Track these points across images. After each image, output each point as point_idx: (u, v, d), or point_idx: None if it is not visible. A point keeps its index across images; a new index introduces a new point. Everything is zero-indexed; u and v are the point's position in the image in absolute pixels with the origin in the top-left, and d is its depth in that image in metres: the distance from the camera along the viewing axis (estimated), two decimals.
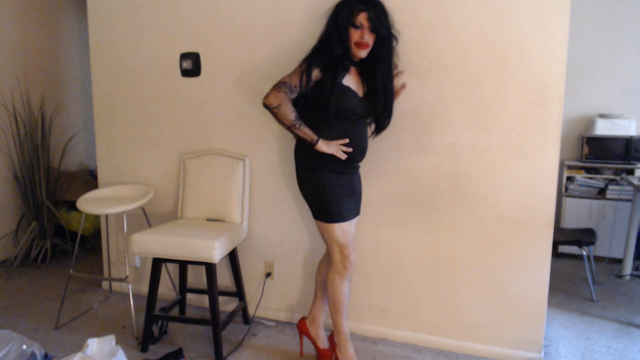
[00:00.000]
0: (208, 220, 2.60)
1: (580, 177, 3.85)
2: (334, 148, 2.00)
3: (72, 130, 4.20)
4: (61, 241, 3.77)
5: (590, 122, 3.89)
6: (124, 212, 2.55)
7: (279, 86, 1.97)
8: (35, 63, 3.86)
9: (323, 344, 2.25)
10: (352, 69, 2.04)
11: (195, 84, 2.69)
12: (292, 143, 2.52)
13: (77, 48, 4.31)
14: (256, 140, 2.61)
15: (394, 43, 2.05)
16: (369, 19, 1.91)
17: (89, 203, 2.58)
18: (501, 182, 2.20)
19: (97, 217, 3.66)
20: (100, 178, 3.02)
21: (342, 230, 2.05)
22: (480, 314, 2.31)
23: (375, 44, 1.98)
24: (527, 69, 2.09)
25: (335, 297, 2.08)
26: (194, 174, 2.66)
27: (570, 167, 3.89)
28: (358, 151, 2.07)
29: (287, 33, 2.45)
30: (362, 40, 1.93)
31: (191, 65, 2.66)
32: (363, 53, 1.97)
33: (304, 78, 1.96)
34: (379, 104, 2.05)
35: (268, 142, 2.58)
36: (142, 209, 2.80)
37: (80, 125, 4.34)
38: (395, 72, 2.17)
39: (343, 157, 2.00)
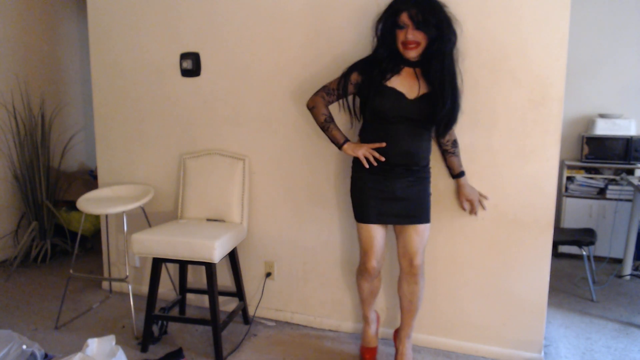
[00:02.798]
0: (208, 220, 2.60)
1: (580, 177, 3.85)
2: (361, 152, 1.99)
3: (72, 130, 4.20)
4: (61, 241, 3.76)
5: (590, 122, 3.89)
6: (124, 212, 2.55)
7: (318, 90, 2.12)
8: (35, 63, 3.86)
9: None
10: (407, 70, 1.96)
11: (195, 84, 2.69)
12: (292, 143, 2.53)
13: (77, 48, 4.31)
14: (256, 140, 2.61)
15: (452, 38, 1.92)
16: (411, 18, 1.85)
17: (89, 203, 2.58)
18: (501, 182, 2.20)
19: (97, 217, 3.66)
20: (100, 178, 3.02)
21: (367, 233, 2.04)
22: (480, 314, 2.31)
23: (429, 41, 1.90)
24: (528, 68, 2.09)
25: (357, 289, 2.24)
26: (194, 174, 2.66)
27: (570, 167, 3.89)
28: (396, 153, 1.97)
29: (288, 32, 2.45)
30: (407, 39, 1.87)
31: (191, 65, 2.66)
32: (412, 53, 1.90)
33: (342, 81, 2.04)
34: (438, 104, 1.92)
35: (268, 142, 2.58)
36: (142, 209, 2.80)
37: (80, 125, 4.34)
38: None
39: (366, 165, 1.99)
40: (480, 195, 2.21)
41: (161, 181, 2.86)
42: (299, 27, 2.42)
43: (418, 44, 1.88)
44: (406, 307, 2.14)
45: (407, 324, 2.17)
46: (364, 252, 2.07)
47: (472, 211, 2.21)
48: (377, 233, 2.05)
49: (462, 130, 2.21)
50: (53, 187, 3.76)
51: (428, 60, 1.93)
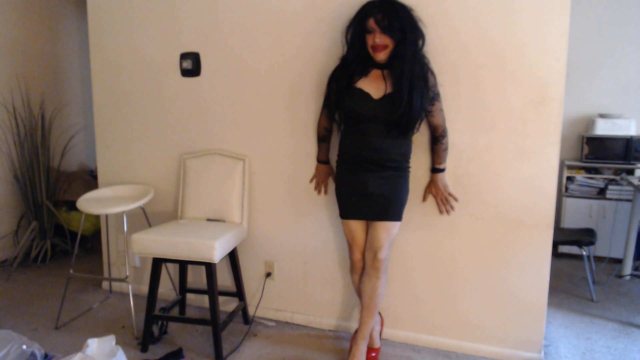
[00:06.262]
0: (208, 220, 2.60)
1: (580, 177, 3.85)
2: (317, 179, 2.45)
3: (72, 130, 4.20)
4: (61, 241, 3.77)
5: (590, 122, 3.89)
6: (124, 212, 2.55)
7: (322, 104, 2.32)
8: (35, 63, 3.86)
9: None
10: (375, 72, 2.05)
11: (195, 84, 2.69)
12: (292, 143, 2.53)
13: (77, 48, 4.31)
14: (256, 140, 2.61)
15: (419, 42, 2.02)
16: (377, 22, 1.94)
17: (89, 203, 2.58)
18: (501, 182, 2.20)
19: (97, 217, 3.66)
20: (100, 178, 3.02)
21: (347, 227, 2.18)
22: (480, 314, 2.31)
23: (396, 43, 1.97)
24: (528, 68, 2.09)
25: (353, 286, 2.32)
26: (194, 174, 2.66)
27: (570, 167, 3.89)
28: (366, 150, 2.04)
29: (287, 31, 2.45)
30: (375, 43, 1.96)
31: (191, 65, 2.66)
32: (381, 55, 1.98)
33: (327, 93, 2.22)
34: (397, 104, 1.96)
35: (268, 142, 2.58)
36: (142, 209, 2.80)
37: (80, 125, 4.34)
38: None
39: (315, 190, 2.47)
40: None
41: (161, 181, 2.86)
42: (298, 27, 2.42)
43: (386, 46, 1.98)
44: (366, 303, 2.15)
45: (365, 322, 2.16)
46: (349, 246, 2.22)
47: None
48: (357, 227, 2.16)
49: (462, 130, 2.21)
50: (53, 187, 3.76)
51: (393, 62, 2.01)
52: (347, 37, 2.09)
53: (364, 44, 2.02)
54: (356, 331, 2.24)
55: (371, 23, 1.96)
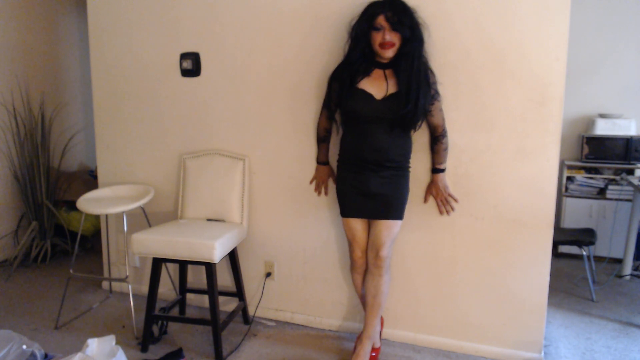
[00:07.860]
0: (208, 220, 2.60)
1: (580, 177, 3.85)
2: (318, 180, 2.44)
3: (72, 130, 4.20)
4: (61, 241, 3.76)
5: (590, 122, 3.89)
6: (124, 212, 2.55)
7: (322, 105, 2.32)
8: (35, 63, 3.86)
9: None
10: (377, 72, 2.05)
11: (195, 84, 2.69)
12: (292, 142, 2.53)
13: (77, 48, 4.31)
14: (256, 140, 2.61)
15: (422, 40, 2.04)
16: (387, 20, 1.95)
17: (89, 203, 2.58)
18: (501, 182, 2.20)
19: (97, 217, 3.66)
20: (100, 178, 3.02)
21: (348, 225, 2.19)
22: (480, 314, 2.31)
23: (401, 42, 1.99)
24: (528, 68, 2.09)
25: (353, 285, 2.34)
26: (194, 174, 2.66)
27: (570, 167, 3.89)
28: (368, 150, 2.04)
29: (287, 31, 2.45)
30: (384, 40, 1.96)
31: (191, 65, 2.66)
32: (389, 52, 1.99)
33: (328, 93, 2.22)
34: (401, 102, 1.98)
35: (268, 142, 2.58)
36: (142, 209, 2.80)
37: (80, 125, 4.34)
38: None
39: (315, 191, 2.47)
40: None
41: (161, 181, 2.86)
42: (297, 27, 2.42)
43: (394, 44, 1.98)
44: (369, 302, 2.17)
45: (369, 322, 2.18)
46: (349, 244, 2.22)
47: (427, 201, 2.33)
48: (358, 226, 2.17)
49: (462, 130, 2.21)
50: (53, 187, 3.76)
51: (398, 61, 2.01)
52: (352, 35, 2.06)
53: (368, 43, 2.01)
54: (361, 331, 2.24)
55: (381, 20, 1.95)
